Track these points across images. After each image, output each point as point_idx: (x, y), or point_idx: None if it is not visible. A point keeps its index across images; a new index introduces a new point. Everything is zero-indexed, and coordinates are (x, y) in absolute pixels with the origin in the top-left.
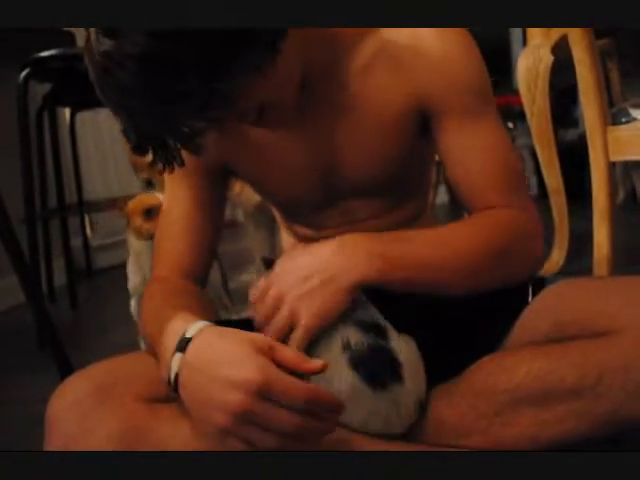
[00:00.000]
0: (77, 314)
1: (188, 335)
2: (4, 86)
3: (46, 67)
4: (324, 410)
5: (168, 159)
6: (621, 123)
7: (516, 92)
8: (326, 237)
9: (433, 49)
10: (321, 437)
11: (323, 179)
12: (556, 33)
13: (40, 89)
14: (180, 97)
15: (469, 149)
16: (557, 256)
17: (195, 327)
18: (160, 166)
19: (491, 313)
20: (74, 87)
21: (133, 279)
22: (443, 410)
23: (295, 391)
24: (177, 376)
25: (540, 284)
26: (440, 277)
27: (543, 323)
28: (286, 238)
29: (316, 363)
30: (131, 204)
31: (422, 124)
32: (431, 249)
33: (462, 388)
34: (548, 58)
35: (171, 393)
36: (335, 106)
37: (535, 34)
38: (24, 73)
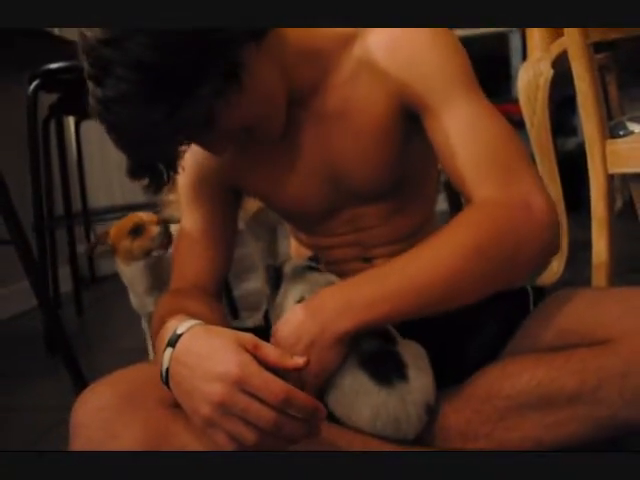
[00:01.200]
0: (83, 321)
1: (179, 332)
2: (9, 95)
3: (55, 79)
4: (301, 410)
5: (156, 182)
6: (619, 136)
7: (515, 101)
8: (334, 245)
9: (403, 46)
10: (302, 438)
11: (327, 188)
12: (556, 48)
13: (45, 98)
14: (153, 126)
15: (452, 135)
16: (556, 265)
17: (186, 325)
18: (154, 188)
19: (494, 322)
20: (80, 97)
21: (133, 301)
22: (449, 415)
23: (271, 386)
24: (168, 370)
25: (540, 293)
26: (422, 300)
27: (545, 332)
28: (295, 246)
29: (297, 360)
30: (114, 230)
31: (413, 123)
32: (397, 277)
33: (468, 394)
34: (548, 72)
35: (163, 387)
36: (328, 117)
37: (535, 48)
38: (34, 85)
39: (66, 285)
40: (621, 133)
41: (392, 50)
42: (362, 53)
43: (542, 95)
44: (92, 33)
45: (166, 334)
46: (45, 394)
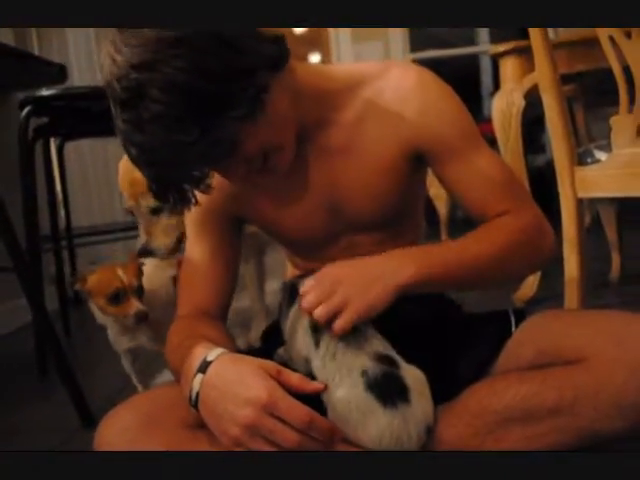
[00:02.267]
0: (71, 341)
1: (209, 359)
2: None
3: (47, 105)
4: (321, 432)
5: (184, 201)
6: (587, 163)
7: (486, 120)
8: None
9: (416, 95)
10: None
11: (328, 218)
12: (528, 82)
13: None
14: (187, 147)
15: (470, 178)
16: (531, 280)
17: (215, 352)
18: (179, 208)
19: (481, 342)
20: (67, 120)
21: (110, 336)
22: (442, 430)
23: (296, 411)
24: (197, 394)
25: (521, 315)
26: (471, 273)
27: (526, 351)
28: (291, 271)
29: (317, 384)
30: (92, 282)
31: (416, 163)
32: (461, 251)
33: (458, 410)
34: (520, 102)
35: (191, 410)
36: (332, 153)
37: (508, 79)
38: (26, 110)
39: (50, 304)
40: (589, 160)
41: (404, 98)
42: (371, 95)
43: (515, 123)
44: (123, 57)
45: (195, 360)
46: (42, 416)
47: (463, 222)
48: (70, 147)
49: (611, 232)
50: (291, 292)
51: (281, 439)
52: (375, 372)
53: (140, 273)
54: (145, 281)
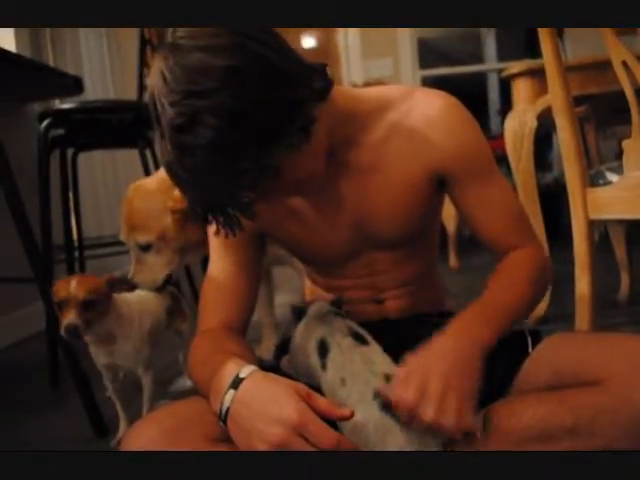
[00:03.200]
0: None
1: (242, 375)
2: (11, 127)
3: (65, 117)
4: None
5: (230, 225)
6: (599, 185)
7: (494, 137)
8: (350, 287)
9: (442, 123)
10: None
11: (351, 236)
12: (542, 104)
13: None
14: (238, 174)
15: (486, 204)
16: (542, 300)
17: (248, 369)
18: (222, 232)
19: (499, 364)
20: (84, 131)
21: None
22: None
23: (326, 434)
24: (228, 410)
25: (537, 335)
26: (516, 317)
27: (543, 372)
28: (310, 287)
29: (346, 411)
30: (54, 288)
31: (437, 185)
32: (508, 301)
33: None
34: (532, 123)
35: (219, 424)
36: (359, 172)
37: (521, 100)
38: (46, 123)
39: None
40: (601, 182)
41: (430, 122)
42: (397, 118)
43: (527, 143)
44: (177, 80)
45: (226, 376)
46: (54, 426)
47: (469, 241)
48: (81, 158)
49: (620, 252)
50: (300, 316)
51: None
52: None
53: (102, 289)
54: (139, 305)
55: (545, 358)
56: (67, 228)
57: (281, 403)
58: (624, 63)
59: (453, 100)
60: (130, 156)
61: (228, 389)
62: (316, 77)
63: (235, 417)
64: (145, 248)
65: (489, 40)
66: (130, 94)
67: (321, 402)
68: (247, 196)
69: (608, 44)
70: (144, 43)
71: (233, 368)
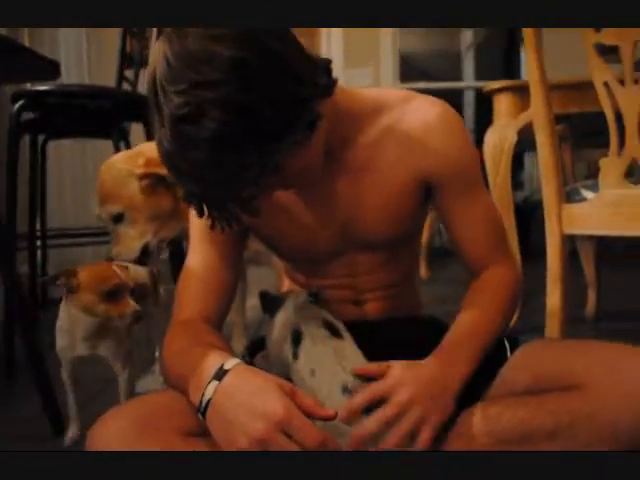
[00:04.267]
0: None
1: (226, 367)
2: None
3: (39, 100)
4: None
5: (227, 219)
6: (574, 201)
7: None
8: (330, 286)
9: (438, 130)
10: None
11: (338, 235)
12: (524, 119)
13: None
14: (242, 169)
15: (469, 218)
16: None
17: (233, 362)
18: (218, 226)
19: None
20: (58, 117)
21: (61, 342)
22: None
23: (310, 431)
24: (209, 401)
25: (515, 342)
26: (491, 342)
27: (521, 377)
28: (288, 285)
29: (330, 411)
30: (85, 276)
31: (424, 192)
32: (480, 330)
33: (457, 433)
34: (512, 138)
35: (198, 416)
36: (351, 170)
37: (502, 114)
38: (19, 104)
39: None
40: (576, 198)
41: (426, 128)
42: (393, 120)
43: (505, 158)
44: (181, 70)
45: (209, 367)
46: (9, 423)
47: (440, 252)
48: (49, 146)
49: (589, 269)
50: (274, 305)
51: None
52: (355, 385)
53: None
54: None
55: (523, 363)
56: (32, 217)
57: (266, 397)
58: (605, 84)
59: (450, 110)
60: (101, 148)
61: (211, 380)
62: (321, 73)
63: (217, 408)
64: (117, 219)
65: (468, 59)
66: (107, 83)
67: (305, 399)
68: (249, 191)
69: (591, 64)
70: (125, 32)
71: (216, 359)
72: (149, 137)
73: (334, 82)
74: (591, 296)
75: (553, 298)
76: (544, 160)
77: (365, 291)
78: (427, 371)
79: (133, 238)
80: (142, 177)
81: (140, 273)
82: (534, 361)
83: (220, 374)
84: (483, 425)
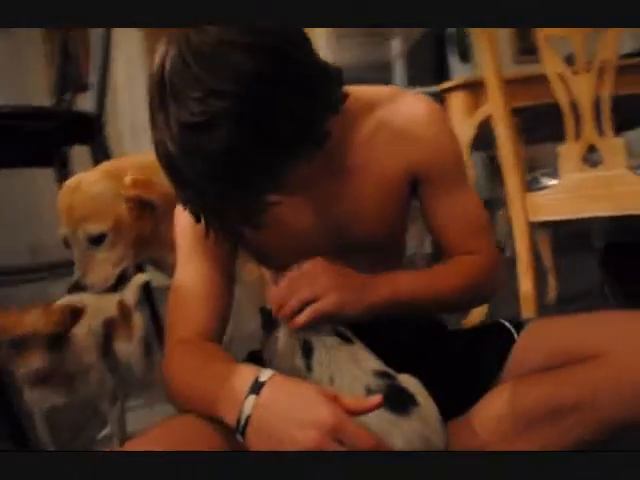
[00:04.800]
0: None
1: (262, 379)
2: None
3: None
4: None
5: (230, 231)
6: (535, 189)
7: None
8: None
9: (427, 126)
10: None
11: (331, 239)
12: (481, 114)
13: None
14: (247, 183)
15: (454, 211)
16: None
17: (267, 372)
18: (212, 236)
19: (482, 354)
20: None
21: (29, 392)
22: (465, 442)
23: (363, 436)
24: (248, 418)
25: (519, 326)
26: (435, 301)
27: (534, 357)
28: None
29: (377, 398)
30: (13, 322)
31: (411, 189)
32: (429, 281)
33: (479, 419)
34: (471, 133)
35: (237, 436)
36: (342, 170)
37: (458, 111)
38: None
39: None
40: (538, 186)
41: (416, 124)
42: (384, 117)
43: (465, 153)
44: (198, 75)
45: (242, 382)
46: None
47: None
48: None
49: (547, 256)
50: (271, 320)
51: None
52: (379, 387)
53: (68, 318)
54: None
55: (535, 342)
56: None
57: (313, 405)
58: (559, 75)
59: (437, 105)
60: (31, 177)
61: (248, 395)
62: (334, 86)
63: (259, 424)
64: (97, 241)
65: (398, 66)
66: (31, 99)
67: (347, 401)
68: (253, 205)
69: (543, 56)
70: (66, 51)
71: (248, 372)
72: (97, 161)
73: (345, 97)
74: (551, 283)
75: (526, 284)
76: (505, 151)
77: None
78: (345, 268)
79: (111, 263)
80: (129, 200)
81: (107, 305)
82: (545, 339)
83: (256, 387)
84: (512, 406)
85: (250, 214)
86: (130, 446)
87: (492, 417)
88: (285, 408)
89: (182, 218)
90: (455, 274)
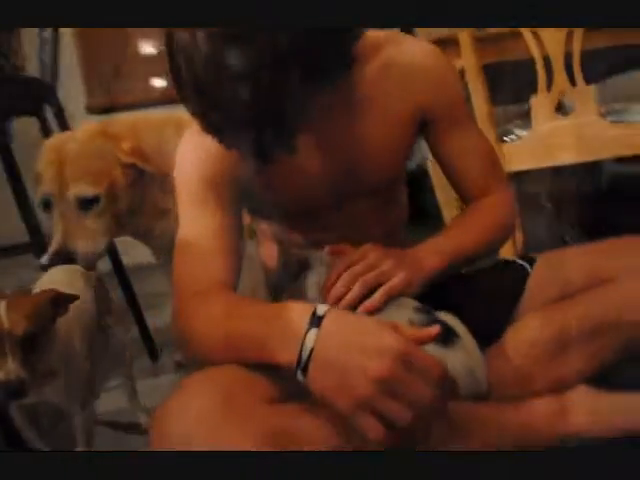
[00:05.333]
0: None
1: (320, 313)
2: None
3: None
4: (448, 386)
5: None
6: (506, 141)
7: None
8: (324, 241)
9: (435, 66)
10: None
11: (339, 179)
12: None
13: None
14: (282, 101)
15: (465, 149)
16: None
17: (324, 306)
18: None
19: (501, 287)
20: None
21: None
22: (501, 367)
23: (432, 362)
24: (311, 352)
25: (531, 261)
26: (471, 255)
27: (551, 287)
28: (269, 252)
29: (435, 328)
30: None
31: (418, 128)
32: (470, 235)
33: (512, 345)
34: None
35: (297, 374)
36: (353, 109)
37: None
38: None
39: None
40: (510, 138)
41: (425, 64)
42: (392, 56)
43: None
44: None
45: (295, 317)
46: None
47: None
48: None
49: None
50: (298, 267)
51: (417, 395)
52: (422, 321)
53: (46, 312)
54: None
55: (549, 274)
56: None
57: (377, 334)
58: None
59: (440, 50)
60: None
61: (309, 329)
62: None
63: (325, 357)
64: (87, 204)
65: None
66: None
67: (408, 330)
68: (292, 124)
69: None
70: None
71: (301, 308)
72: (46, 134)
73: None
74: (518, 238)
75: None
76: (479, 106)
77: (362, 243)
78: (402, 251)
79: (99, 232)
80: (126, 166)
81: (84, 281)
82: (559, 269)
83: (316, 321)
84: (543, 330)
85: (285, 135)
86: (170, 403)
87: (525, 341)
88: (350, 339)
89: (186, 166)
90: (485, 222)
